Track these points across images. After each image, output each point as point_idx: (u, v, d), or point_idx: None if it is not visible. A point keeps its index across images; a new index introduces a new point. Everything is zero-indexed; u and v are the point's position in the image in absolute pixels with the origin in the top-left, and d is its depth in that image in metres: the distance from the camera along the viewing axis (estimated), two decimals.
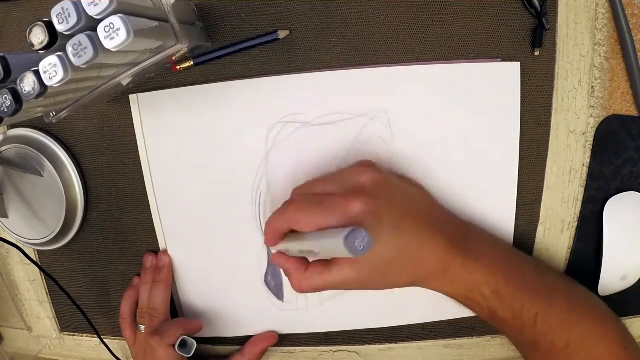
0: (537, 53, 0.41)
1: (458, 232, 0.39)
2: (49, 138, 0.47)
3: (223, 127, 0.44)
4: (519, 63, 0.41)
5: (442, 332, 0.48)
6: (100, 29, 0.26)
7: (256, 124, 0.43)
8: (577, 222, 0.44)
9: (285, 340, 0.49)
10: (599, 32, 0.41)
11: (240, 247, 0.46)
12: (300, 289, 0.37)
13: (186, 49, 0.37)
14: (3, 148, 0.47)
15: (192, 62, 0.42)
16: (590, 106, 0.42)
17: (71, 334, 0.54)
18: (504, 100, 0.42)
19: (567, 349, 0.38)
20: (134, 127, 0.45)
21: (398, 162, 0.43)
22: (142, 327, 0.45)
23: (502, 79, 0.41)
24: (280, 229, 0.37)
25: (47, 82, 0.27)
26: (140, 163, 0.45)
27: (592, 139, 0.43)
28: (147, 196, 0.46)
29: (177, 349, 0.44)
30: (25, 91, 0.28)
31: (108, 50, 0.26)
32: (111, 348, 0.50)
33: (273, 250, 0.40)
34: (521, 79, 0.41)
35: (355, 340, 0.49)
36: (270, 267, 0.47)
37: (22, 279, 0.53)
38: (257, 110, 0.43)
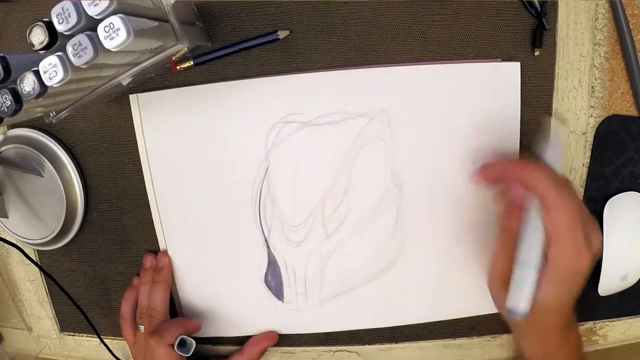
0: (537, 53, 0.41)
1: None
2: (49, 138, 0.47)
3: (223, 127, 0.44)
4: (519, 63, 0.41)
5: (442, 332, 0.48)
6: (100, 29, 0.26)
7: (256, 124, 0.43)
8: None
9: (285, 340, 0.49)
10: (599, 32, 0.41)
11: (240, 247, 0.46)
12: None
13: (186, 49, 0.37)
14: (3, 148, 0.47)
15: (192, 62, 0.42)
16: (590, 106, 0.42)
17: (71, 334, 0.54)
18: (504, 100, 0.42)
19: None
20: (134, 127, 0.45)
21: (398, 162, 0.43)
22: (142, 328, 0.46)
23: (502, 79, 0.41)
24: (506, 172, 0.37)
25: (47, 82, 0.27)
26: (140, 163, 0.45)
27: (592, 139, 0.43)
28: (147, 196, 0.46)
29: (176, 349, 0.44)
30: (25, 91, 0.28)
31: (108, 50, 0.26)
32: (111, 348, 0.50)
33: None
34: (521, 79, 0.41)
35: (355, 340, 0.49)
36: (270, 267, 0.47)
37: (22, 279, 0.53)
38: (257, 110, 0.43)
